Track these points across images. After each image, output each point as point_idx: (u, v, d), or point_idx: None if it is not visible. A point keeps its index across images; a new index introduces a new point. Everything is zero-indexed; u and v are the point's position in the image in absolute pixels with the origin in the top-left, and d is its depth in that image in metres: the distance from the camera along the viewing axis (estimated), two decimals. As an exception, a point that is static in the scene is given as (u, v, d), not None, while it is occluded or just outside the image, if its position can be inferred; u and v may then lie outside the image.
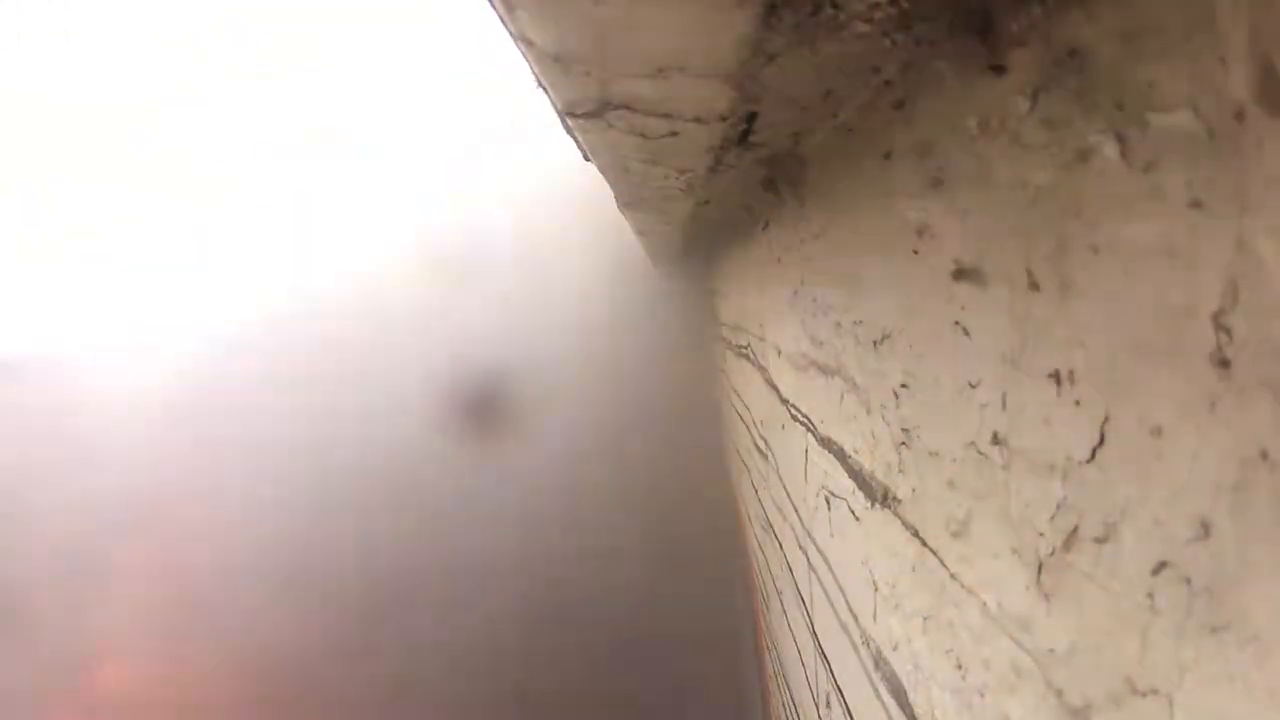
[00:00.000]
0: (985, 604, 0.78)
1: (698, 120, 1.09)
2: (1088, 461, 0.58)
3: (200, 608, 5.07)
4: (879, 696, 1.20)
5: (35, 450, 5.40)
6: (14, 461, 5.33)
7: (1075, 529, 0.60)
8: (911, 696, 1.04)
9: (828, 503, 1.58)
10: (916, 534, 1.00)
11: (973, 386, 0.79)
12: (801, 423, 1.87)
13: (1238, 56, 0.42)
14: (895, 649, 1.12)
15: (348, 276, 6.04)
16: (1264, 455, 0.41)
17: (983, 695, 0.80)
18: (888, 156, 1.03)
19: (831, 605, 1.60)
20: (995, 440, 0.75)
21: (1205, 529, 0.46)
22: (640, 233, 3.27)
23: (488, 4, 0.77)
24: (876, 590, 1.21)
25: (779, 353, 2.23)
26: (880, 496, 1.17)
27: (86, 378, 5.71)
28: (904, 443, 1.03)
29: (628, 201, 2.20)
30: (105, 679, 5.03)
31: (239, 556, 5.16)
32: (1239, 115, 0.42)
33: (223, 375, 5.58)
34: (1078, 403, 0.59)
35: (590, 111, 1.05)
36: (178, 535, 5.35)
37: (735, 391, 3.67)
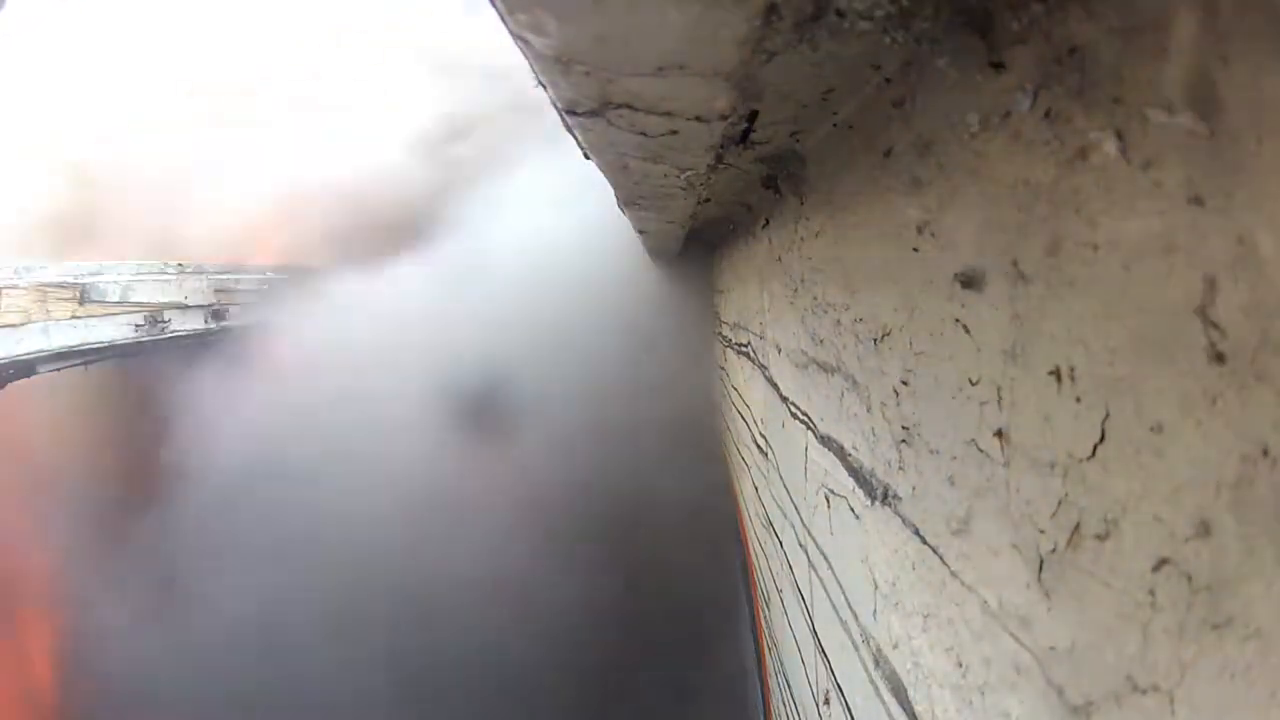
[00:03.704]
0: (986, 601, 0.79)
1: (698, 119, 1.09)
2: (1088, 458, 0.58)
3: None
4: (879, 694, 1.20)
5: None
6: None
7: (1076, 526, 0.60)
8: (911, 694, 1.05)
9: (828, 500, 1.58)
10: (917, 532, 1.00)
11: (973, 384, 0.79)
12: (801, 420, 1.87)
13: (1234, 54, 0.42)
14: (895, 647, 1.12)
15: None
16: (1265, 452, 0.41)
17: (983, 693, 0.80)
18: (888, 154, 1.03)
19: (831, 603, 1.60)
20: (996, 437, 0.75)
21: (1206, 526, 0.46)
22: (641, 230, 3.27)
23: (488, 3, 0.77)
24: (876, 588, 1.21)
25: (779, 350, 2.23)
26: (880, 494, 1.17)
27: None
28: (904, 440, 1.03)
29: (628, 199, 2.19)
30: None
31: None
32: (1238, 112, 0.42)
33: None
34: (1078, 399, 0.59)
35: (591, 110, 1.05)
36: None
37: (736, 389, 3.67)
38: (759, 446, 2.88)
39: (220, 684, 4.82)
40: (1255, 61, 0.41)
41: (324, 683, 4.81)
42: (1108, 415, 0.56)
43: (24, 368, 4.51)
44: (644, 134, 1.19)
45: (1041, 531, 0.66)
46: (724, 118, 1.08)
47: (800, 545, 2.00)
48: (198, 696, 4.80)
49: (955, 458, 0.85)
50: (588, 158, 1.54)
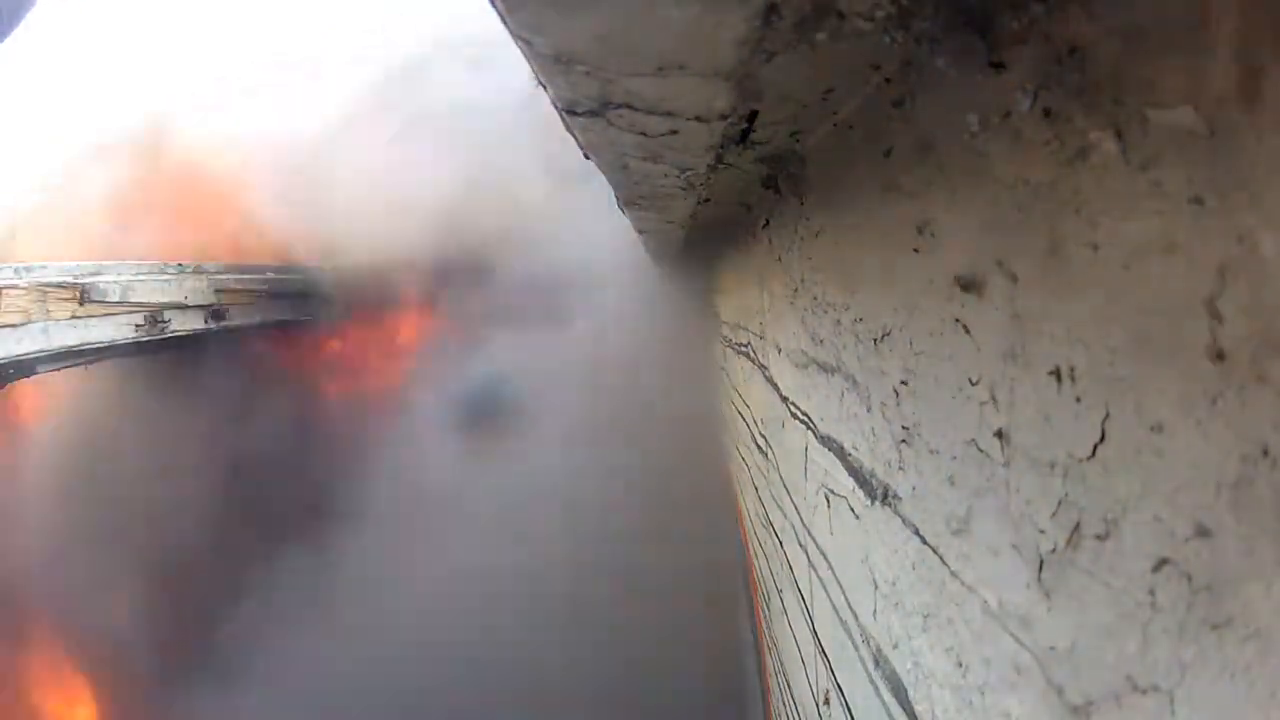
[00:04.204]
0: (986, 601, 0.79)
1: (698, 119, 1.09)
2: (1089, 458, 0.58)
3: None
4: (879, 694, 1.20)
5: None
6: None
7: (1076, 526, 0.60)
8: (911, 694, 1.05)
9: (827, 500, 1.58)
10: (917, 531, 1.00)
11: (973, 384, 0.79)
12: (801, 420, 1.87)
13: (1231, 54, 0.42)
14: (895, 647, 1.12)
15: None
16: (1265, 452, 0.41)
17: (983, 693, 0.80)
18: (888, 154, 1.03)
19: (831, 603, 1.60)
20: (996, 437, 0.75)
21: (1206, 526, 0.46)
22: (641, 231, 3.27)
23: (488, 3, 0.77)
24: (876, 588, 1.21)
25: (779, 350, 2.23)
26: (880, 494, 1.17)
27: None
28: (904, 440, 1.03)
29: (628, 199, 2.19)
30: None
31: None
32: (1237, 112, 0.42)
33: None
34: (1078, 399, 0.59)
35: (591, 110, 1.05)
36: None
37: (735, 389, 3.67)
38: (759, 446, 2.88)
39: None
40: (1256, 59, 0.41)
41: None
42: (1108, 415, 0.56)
43: (24, 368, 4.51)
44: (644, 134, 1.19)
45: (1041, 531, 0.66)
46: (724, 118, 1.08)
47: (800, 545, 2.00)
48: None
49: (955, 458, 0.85)
50: (588, 157, 1.54)
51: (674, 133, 1.17)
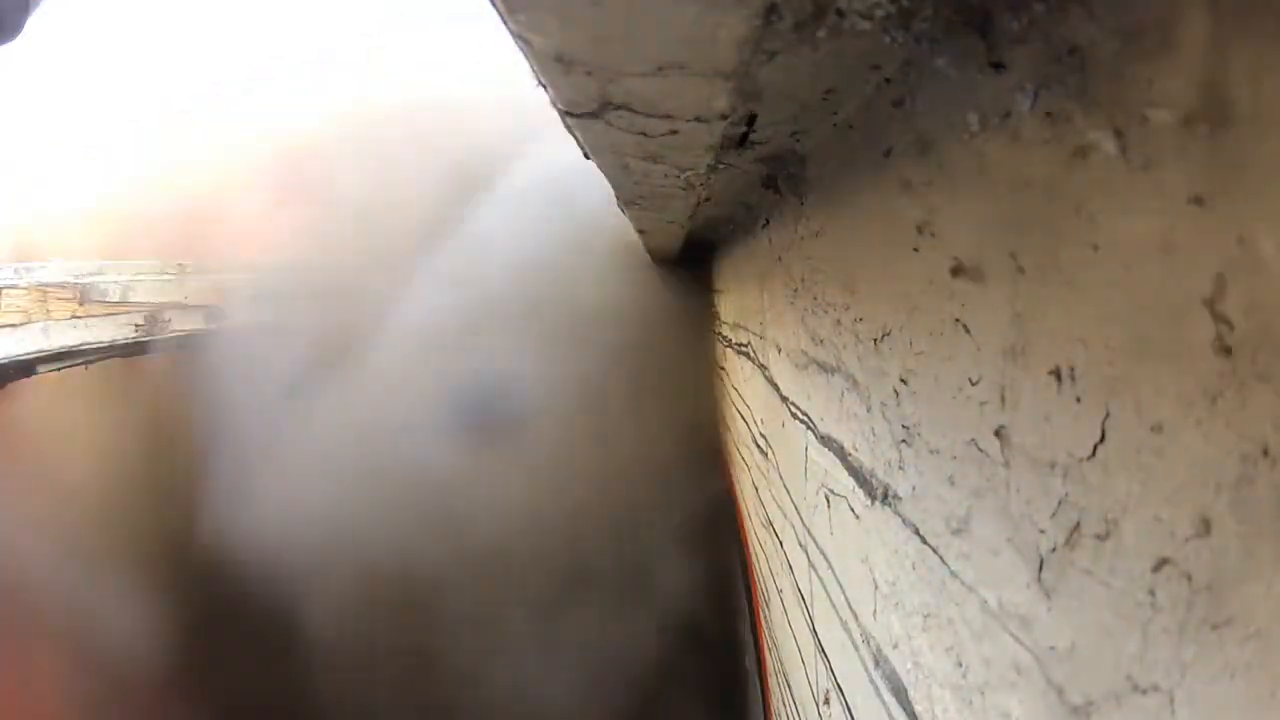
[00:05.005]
0: (985, 601, 0.79)
1: (698, 119, 1.09)
2: (1089, 458, 0.58)
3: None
4: (879, 694, 1.20)
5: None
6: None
7: (1076, 526, 0.60)
8: (911, 694, 1.05)
9: (827, 500, 1.58)
10: (916, 531, 1.00)
11: (973, 383, 0.79)
12: (801, 420, 1.87)
13: (1231, 54, 0.42)
14: (895, 646, 1.12)
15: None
16: (1265, 451, 0.41)
17: (983, 693, 0.80)
18: (887, 154, 1.03)
19: (831, 603, 1.60)
20: (995, 437, 0.75)
21: (1206, 526, 0.46)
22: (640, 231, 3.27)
23: (488, 3, 0.77)
24: (876, 588, 1.21)
25: (779, 350, 2.23)
26: (880, 494, 1.17)
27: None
28: (904, 440, 1.03)
29: (628, 199, 2.20)
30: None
31: None
32: (1236, 112, 0.42)
33: None
34: (1078, 399, 0.59)
35: (590, 111, 1.05)
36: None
37: (735, 389, 3.67)
38: (759, 446, 2.88)
39: None
40: (1256, 60, 0.41)
41: None
42: (1108, 415, 0.56)
43: (24, 368, 4.52)
44: (644, 134, 1.19)
45: (1041, 531, 0.66)
46: (724, 118, 1.08)
47: (800, 545, 2.00)
48: None
49: (955, 458, 0.85)
50: (588, 158, 1.54)
51: (674, 133, 1.17)
